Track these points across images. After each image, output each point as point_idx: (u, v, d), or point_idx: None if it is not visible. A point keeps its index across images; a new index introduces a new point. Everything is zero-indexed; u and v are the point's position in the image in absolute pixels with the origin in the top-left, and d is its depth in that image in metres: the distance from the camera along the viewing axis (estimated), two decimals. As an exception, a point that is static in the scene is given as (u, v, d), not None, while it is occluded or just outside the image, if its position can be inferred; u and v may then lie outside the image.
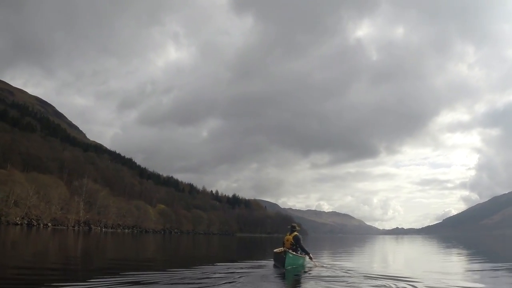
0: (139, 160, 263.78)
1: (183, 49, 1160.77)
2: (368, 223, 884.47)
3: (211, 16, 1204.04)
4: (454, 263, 22.58)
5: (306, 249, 17.71)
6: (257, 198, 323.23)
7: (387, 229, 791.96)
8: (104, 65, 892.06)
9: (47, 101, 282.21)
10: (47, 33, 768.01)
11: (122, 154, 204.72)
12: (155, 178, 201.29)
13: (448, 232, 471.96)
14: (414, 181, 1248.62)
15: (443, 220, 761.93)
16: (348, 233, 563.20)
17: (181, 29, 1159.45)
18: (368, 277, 13.17)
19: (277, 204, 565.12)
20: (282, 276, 13.75)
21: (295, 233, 17.47)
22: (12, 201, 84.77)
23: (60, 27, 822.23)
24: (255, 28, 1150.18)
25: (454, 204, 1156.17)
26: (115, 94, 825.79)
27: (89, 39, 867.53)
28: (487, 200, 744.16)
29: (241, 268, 15.76)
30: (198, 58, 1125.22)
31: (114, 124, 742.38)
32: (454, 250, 36.91)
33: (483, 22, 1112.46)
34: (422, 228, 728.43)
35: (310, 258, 17.62)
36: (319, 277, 13.34)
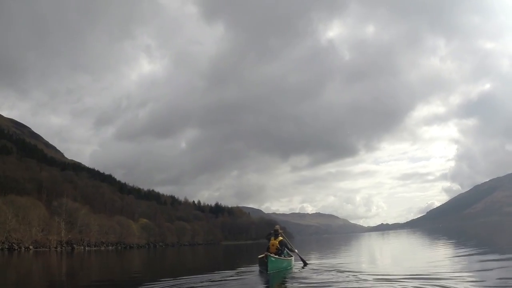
0: (119, 176, 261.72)
1: (156, 61, 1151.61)
2: (352, 222, 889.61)
3: (182, 26, 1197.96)
4: (439, 253, 22.89)
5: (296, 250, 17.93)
6: (240, 205, 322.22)
7: (372, 226, 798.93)
8: (78, 82, 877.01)
9: (23, 122, 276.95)
10: (18, 54, 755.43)
11: (102, 171, 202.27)
12: (136, 192, 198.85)
13: (433, 224, 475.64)
14: (395, 176, 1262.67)
15: (427, 212, 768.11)
16: (333, 233, 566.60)
17: (152, 41, 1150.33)
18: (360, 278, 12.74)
19: (260, 210, 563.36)
20: (266, 282, 13.71)
21: (280, 238, 17.41)
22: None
23: (31, 47, 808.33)
24: (226, 35, 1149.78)
25: (436, 196, 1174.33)
26: (91, 111, 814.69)
27: (62, 56, 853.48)
28: (468, 189, 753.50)
29: (225, 276, 15.64)
30: (171, 69, 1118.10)
31: (92, 141, 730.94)
32: (439, 241, 37.39)
33: (452, 15, 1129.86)
34: (407, 222, 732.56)
35: (302, 259, 17.89)
36: (304, 280, 13.15)
